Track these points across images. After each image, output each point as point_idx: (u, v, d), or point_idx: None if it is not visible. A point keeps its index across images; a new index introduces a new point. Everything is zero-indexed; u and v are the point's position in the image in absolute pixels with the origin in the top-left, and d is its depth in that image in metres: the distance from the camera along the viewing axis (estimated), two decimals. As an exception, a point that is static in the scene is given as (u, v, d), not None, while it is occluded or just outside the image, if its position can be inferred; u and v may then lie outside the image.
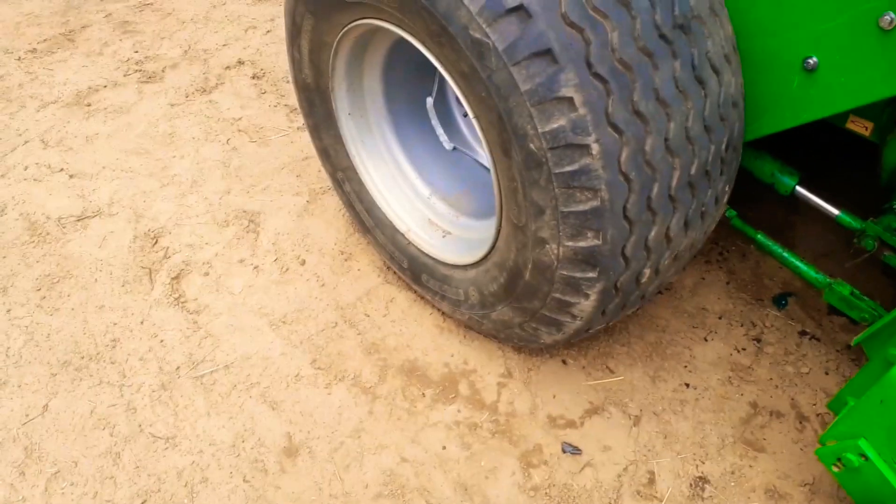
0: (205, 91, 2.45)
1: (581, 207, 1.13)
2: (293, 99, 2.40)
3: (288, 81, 2.48)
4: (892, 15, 1.10)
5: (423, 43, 1.24)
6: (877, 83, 1.19)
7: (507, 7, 1.04)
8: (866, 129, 1.49)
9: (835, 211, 1.48)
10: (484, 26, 1.07)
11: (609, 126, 1.07)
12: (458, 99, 1.68)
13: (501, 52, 1.07)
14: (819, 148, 1.83)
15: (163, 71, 2.55)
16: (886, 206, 1.48)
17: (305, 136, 2.24)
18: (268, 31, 2.73)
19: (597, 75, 1.05)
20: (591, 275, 1.21)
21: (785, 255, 1.54)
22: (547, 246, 1.22)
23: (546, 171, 1.12)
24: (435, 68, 1.41)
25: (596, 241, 1.16)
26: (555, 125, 1.08)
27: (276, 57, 2.60)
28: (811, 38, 1.22)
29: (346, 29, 1.41)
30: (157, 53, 2.64)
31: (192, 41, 2.70)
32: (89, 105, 2.40)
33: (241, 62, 2.58)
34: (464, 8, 1.08)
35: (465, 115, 1.73)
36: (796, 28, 1.23)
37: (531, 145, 1.11)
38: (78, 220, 1.98)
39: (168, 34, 2.74)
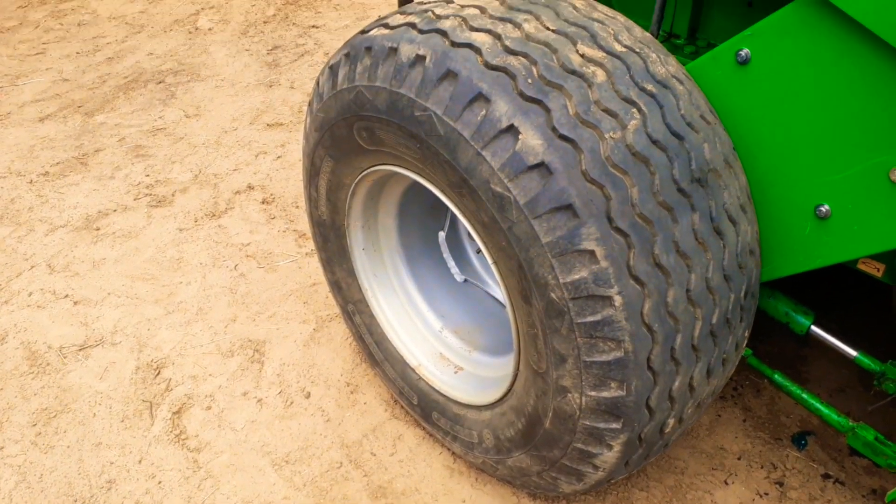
0: (214, 215, 2.48)
1: (604, 358, 1.11)
2: (302, 224, 2.43)
3: (297, 206, 2.51)
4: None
5: (443, 192, 1.26)
6: (889, 233, 1.20)
7: (529, 164, 1.07)
8: (878, 270, 1.50)
9: (853, 352, 1.46)
10: (506, 181, 1.09)
11: (631, 278, 1.07)
12: (469, 233, 1.70)
13: (523, 206, 1.08)
14: (834, 283, 1.84)
15: (173, 195, 2.59)
16: (905, 348, 1.47)
17: (314, 262, 2.25)
18: (278, 157, 2.80)
19: (618, 229, 1.06)
20: (614, 426, 1.18)
21: (804, 396, 1.51)
22: (569, 395, 1.19)
23: (568, 320, 1.11)
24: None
25: (620, 392, 1.13)
26: (577, 276, 1.07)
27: (286, 182, 2.65)
28: (823, 187, 1.25)
29: (364, 172, 1.44)
30: (168, 177, 2.69)
31: (202, 165, 2.76)
32: (98, 229, 2.42)
33: (250, 187, 2.63)
34: (486, 163, 1.10)
35: (479, 250, 1.74)
36: (808, 177, 1.26)
37: (552, 294, 1.11)
38: (80, 350, 1.94)
39: (179, 158, 2.81)
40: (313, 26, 3.88)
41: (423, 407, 1.62)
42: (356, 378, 1.87)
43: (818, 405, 1.49)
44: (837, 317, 1.90)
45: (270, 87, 3.30)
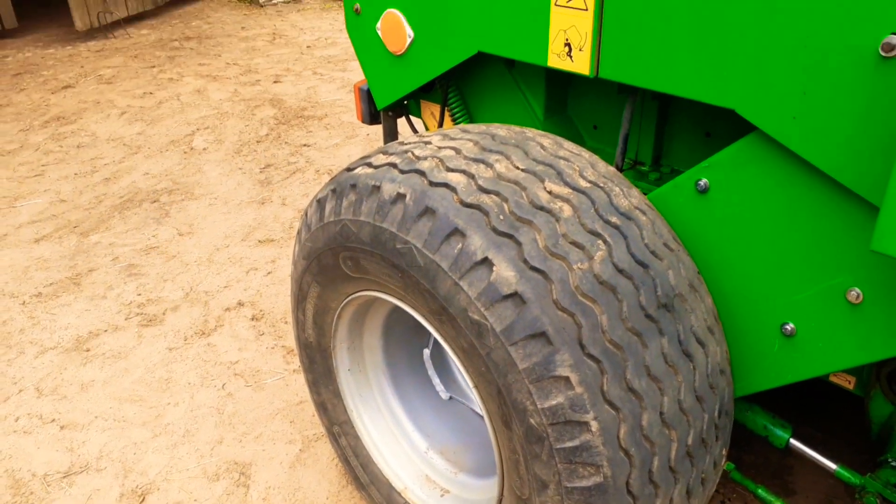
0: (204, 333, 2.51)
1: (585, 483, 1.13)
2: (290, 339, 2.47)
3: (285, 322, 2.56)
4: (859, 290, 1.20)
5: (425, 317, 1.32)
6: (852, 351, 1.26)
7: (503, 294, 1.13)
8: (849, 382, 1.55)
9: (832, 466, 1.48)
10: (482, 309, 1.15)
11: (606, 403, 1.11)
12: (454, 354, 1.74)
13: (499, 334, 1.14)
14: (812, 393, 1.88)
15: (163, 314, 2.63)
16: (882, 460, 1.49)
17: (300, 379, 2.27)
18: (268, 273, 2.87)
19: (590, 356, 1.11)
20: (598, 550, 1.18)
21: (790, 510, 1.51)
22: (552, 520, 1.20)
23: (548, 446, 1.14)
24: None
25: (601, 516, 1.15)
26: (554, 402, 1.11)
27: (276, 298, 2.70)
28: (787, 307, 1.31)
29: (350, 298, 1.50)
30: (160, 296, 2.74)
31: (194, 283, 2.82)
32: (88, 350, 2.44)
33: (240, 303, 2.68)
34: (463, 293, 1.16)
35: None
36: (772, 297, 1.32)
37: (532, 420, 1.14)
38: (64, 477, 1.92)
39: (171, 276, 2.87)
40: (305, 145, 4.06)
41: (411, 531, 1.61)
42: (342, 501, 1.85)
43: (804, 520, 1.50)
44: (821, 424, 1.93)
45: (262, 203, 3.42)
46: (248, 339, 2.48)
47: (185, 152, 4.01)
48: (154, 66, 5.48)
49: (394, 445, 1.67)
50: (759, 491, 1.54)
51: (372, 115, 2.17)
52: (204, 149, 4.05)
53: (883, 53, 0.98)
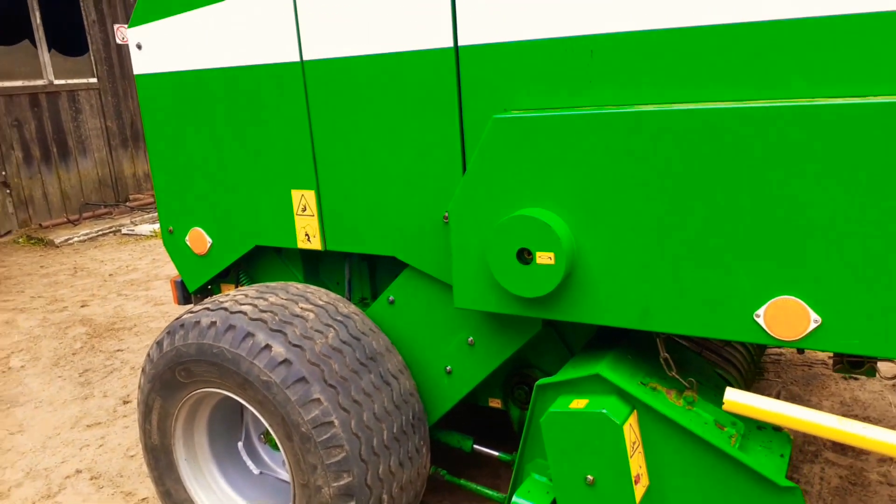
0: (49, 496, 3.00)
1: (336, 458, 2.01)
2: (128, 486, 3.03)
3: (121, 476, 3.12)
4: (473, 338, 2.28)
5: (234, 392, 2.18)
6: (475, 379, 2.31)
7: (279, 361, 2.05)
8: (499, 403, 2.60)
9: (496, 453, 2.48)
10: (268, 372, 2.05)
11: (342, 409, 2.04)
12: (260, 438, 2.56)
13: (279, 383, 2.04)
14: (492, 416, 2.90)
15: (8, 490, 3.07)
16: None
17: (141, 511, 2.85)
18: (100, 446, 3.41)
19: (330, 385, 2.05)
20: (352, 503, 2.03)
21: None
22: (323, 490, 2.04)
23: (313, 441, 2.02)
24: (243, 420, 2.33)
25: (349, 479, 2.02)
26: (313, 414, 2.02)
27: (109, 462, 3.25)
28: (445, 357, 2.36)
29: (184, 400, 2.30)
30: (1, 479, 3.17)
31: (32, 465, 3.28)
32: (-61, 528, 2.81)
33: (78, 471, 3.19)
34: (256, 366, 2.07)
35: (270, 447, 2.58)
36: (437, 352, 2.37)
37: (302, 429, 2.03)
38: None
39: (9, 465, 3.30)
40: (118, 350, 4.68)
41: (241, 564, 2.29)
42: (187, 576, 2.45)
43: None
44: (498, 435, 2.94)
45: (86, 399, 3.97)
46: (90, 492, 3.01)
47: (2, 372, 4.44)
48: (-45, 307, 5.80)
49: (224, 510, 2.39)
50: (444, 474, 2.48)
51: (185, 298, 3.05)
52: (21, 366, 4.50)
53: (446, 221, 2.15)
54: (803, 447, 2.94)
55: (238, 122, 2.47)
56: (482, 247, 1.91)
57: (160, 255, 7.31)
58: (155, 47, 2.59)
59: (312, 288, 2.41)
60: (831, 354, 3.55)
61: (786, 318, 1.60)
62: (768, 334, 1.62)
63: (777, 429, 1.92)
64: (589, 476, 1.81)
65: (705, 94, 1.66)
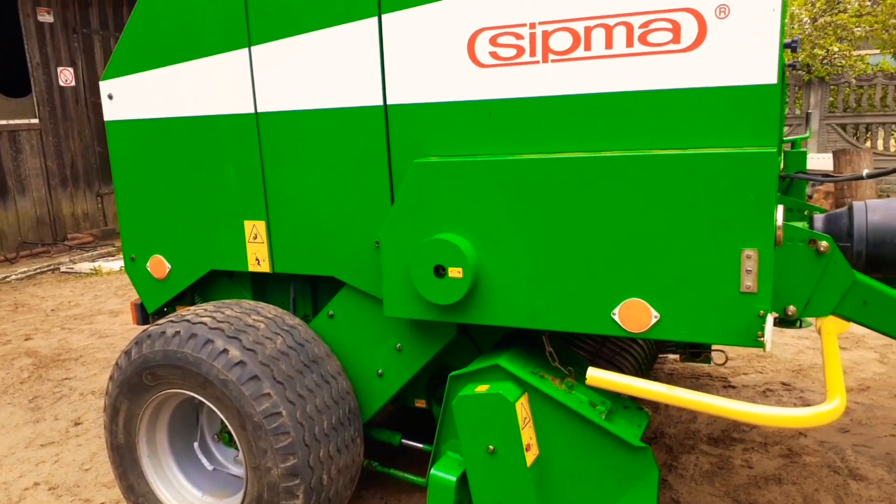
0: (8, 506, 3.23)
1: (284, 443, 2.40)
2: (87, 494, 3.29)
3: (78, 486, 3.38)
4: (401, 344, 2.71)
5: (195, 391, 2.54)
6: (401, 380, 2.74)
7: (234, 363, 2.44)
8: (424, 403, 3.02)
9: (420, 446, 2.89)
10: (225, 372, 2.44)
11: (288, 402, 2.43)
12: (214, 438, 2.91)
13: (235, 381, 2.42)
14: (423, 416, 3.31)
15: (-33, 502, 3.28)
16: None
17: (99, 513, 3.11)
18: (55, 462, 3.65)
19: (278, 382, 2.44)
20: (297, 482, 2.41)
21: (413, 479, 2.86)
22: (272, 471, 2.41)
23: (264, 428, 2.40)
24: (198, 423, 2.70)
25: (295, 461, 2.40)
26: (264, 406, 2.40)
27: (66, 474, 3.49)
28: (378, 361, 2.78)
29: (148, 402, 2.64)
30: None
31: (-13, 481, 3.49)
32: None
33: (37, 483, 3.43)
34: (215, 367, 2.45)
35: (224, 445, 2.92)
36: (370, 357, 2.79)
37: (255, 418, 2.41)
38: None
39: (-36, 482, 3.50)
40: (66, 378, 4.89)
41: (196, 545, 2.62)
42: (145, 563, 2.75)
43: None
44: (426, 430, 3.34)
45: (37, 422, 4.18)
46: (49, 500, 3.26)
47: (-51, 399, 4.58)
48: None
49: (180, 499, 2.72)
50: (376, 466, 2.87)
51: (143, 319, 3.38)
52: (-32, 394, 4.66)
53: (378, 246, 2.60)
54: (683, 441, 3.47)
55: (198, 163, 2.88)
56: (406, 265, 2.37)
57: (101, 291, 7.47)
58: (125, 98, 2.99)
59: (262, 304, 2.82)
60: (713, 366, 4.14)
61: (634, 315, 2.10)
62: (622, 328, 2.12)
63: (639, 407, 2.42)
64: (490, 446, 2.26)
65: (570, 146, 2.19)
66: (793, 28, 11.07)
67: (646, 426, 2.32)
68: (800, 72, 10.75)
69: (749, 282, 1.98)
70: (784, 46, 2.09)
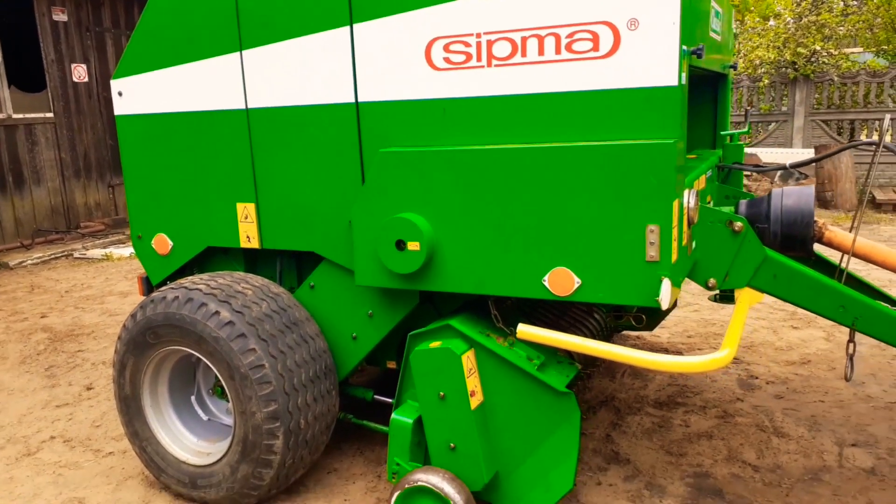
0: (29, 454, 3.65)
1: (267, 391, 2.80)
2: (98, 445, 3.71)
3: (90, 439, 3.80)
4: (372, 311, 3.11)
5: (191, 348, 2.94)
6: (372, 342, 3.14)
7: (224, 322, 2.84)
8: (394, 365, 3.41)
9: (390, 400, 3.29)
10: (217, 330, 2.84)
11: (271, 356, 2.83)
12: (209, 391, 3.32)
13: (225, 338, 2.83)
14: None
15: (-8, 451, 3.71)
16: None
17: (111, 460, 3.53)
18: (69, 419, 4.07)
19: (262, 339, 2.85)
20: (277, 424, 2.81)
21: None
22: (256, 414, 2.82)
23: (249, 378, 2.80)
24: (195, 379, 3.11)
25: (276, 406, 2.81)
26: (250, 359, 2.81)
27: (80, 429, 3.92)
28: (353, 324, 3.17)
29: (151, 358, 3.05)
30: (-15, 445, 3.80)
31: (10, 435, 3.91)
32: (-61, 475, 3.44)
33: (52, 437, 3.85)
34: (209, 327, 2.85)
35: (217, 393, 3.33)
36: (347, 322, 3.18)
37: (242, 370, 2.81)
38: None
39: (-11, 436, 3.93)
40: (79, 350, 5.32)
41: (192, 481, 3.03)
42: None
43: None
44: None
45: (53, 387, 4.61)
46: (64, 451, 3.68)
47: (-27, 369, 5.02)
48: (-80, 318, 6.31)
49: (178, 443, 3.13)
50: (352, 418, 3.27)
51: (149, 290, 3.79)
52: (-10, 364, 5.10)
53: (350, 224, 3.00)
54: (631, 404, 3.85)
55: (196, 152, 3.28)
56: (374, 240, 2.76)
57: (112, 275, 7.92)
58: (133, 95, 3.40)
59: (251, 275, 3.22)
60: (669, 341, 4.50)
61: (560, 281, 2.49)
62: (551, 292, 2.51)
63: (571, 361, 2.81)
64: (441, 393, 2.65)
65: (511, 138, 2.57)
66: (778, 27, 11.39)
67: (574, 376, 2.70)
68: (785, 70, 11.07)
69: (653, 252, 2.36)
70: (690, 53, 2.45)
